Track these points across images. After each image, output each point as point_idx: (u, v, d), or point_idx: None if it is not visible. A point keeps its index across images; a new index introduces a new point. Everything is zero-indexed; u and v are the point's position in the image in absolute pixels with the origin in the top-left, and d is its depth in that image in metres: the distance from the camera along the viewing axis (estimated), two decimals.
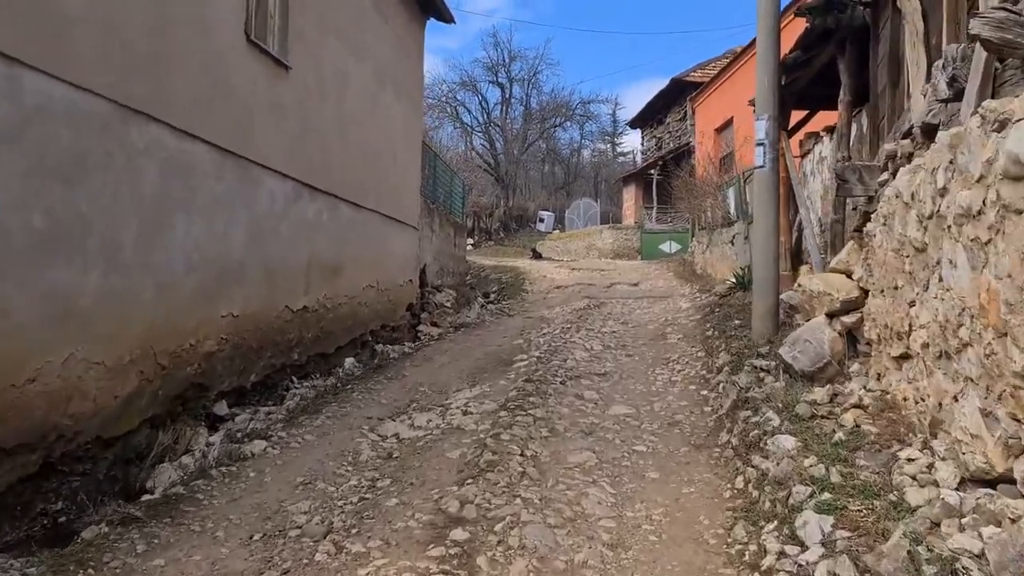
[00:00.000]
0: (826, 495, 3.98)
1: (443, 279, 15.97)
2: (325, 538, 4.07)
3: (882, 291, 5.35)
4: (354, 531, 4.18)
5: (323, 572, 3.72)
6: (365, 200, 10.74)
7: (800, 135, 10.18)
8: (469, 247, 33.09)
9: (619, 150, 53.93)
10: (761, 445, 5.00)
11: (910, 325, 4.73)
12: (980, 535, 3.08)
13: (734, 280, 11.63)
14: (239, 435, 6.16)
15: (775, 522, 3.95)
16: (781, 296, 7.67)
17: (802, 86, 9.18)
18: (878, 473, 4.18)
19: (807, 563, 3.41)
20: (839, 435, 4.75)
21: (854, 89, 7.61)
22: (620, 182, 38.70)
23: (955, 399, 3.86)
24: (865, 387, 5.39)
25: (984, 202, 3.25)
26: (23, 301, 4.75)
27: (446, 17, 13.22)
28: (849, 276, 6.13)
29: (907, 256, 4.69)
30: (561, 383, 7.32)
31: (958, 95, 4.16)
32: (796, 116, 10.02)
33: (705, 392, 6.93)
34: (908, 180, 4.61)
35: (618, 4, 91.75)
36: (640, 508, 4.56)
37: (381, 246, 11.57)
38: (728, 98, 20.81)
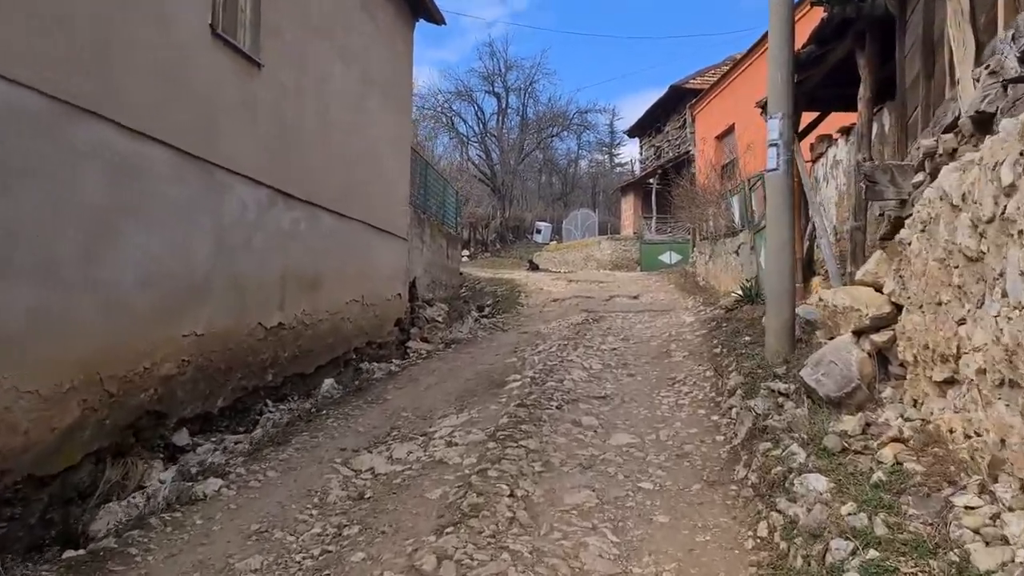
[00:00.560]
0: (872, 552, 3.33)
1: (435, 292, 15.32)
2: None
3: (920, 307, 4.71)
4: None
5: None
6: (349, 209, 10.10)
7: (811, 138, 9.56)
8: (464, 258, 32.47)
9: (616, 160, 53.44)
10: (786, 484, 4.34)
11: (959, 346, 4.08)
12: None
13: (741, 293, 10.98)
14: (194, 471, 5.49)
15: None
16: (796, 310, 7.03)
17: (813, 85, 8.57)
18: (931, 524, 3.52)
19: None
20: (878, 474, 4.10)
21: (875, 85, 6.99)
22: (618, 192, 38.12)
23: None
24: (902, 416, 4.74)
25: None
26: None
27: (436, 18, 12.63)
28: (878, 289, 5.49)
29: (956, 267, 4.05)
30: (557, 408, 6.65)
31: None
32: (806, 119, 9.42)
33: (716, 418, 6.27)
34: (957, 179, 3.97)
35: (615, 14, 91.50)
36: (649, 562, 3.90)
37: (366, 258, 10.92)
38: (729, 104, 20.23)
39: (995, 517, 3.36)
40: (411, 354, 11.57)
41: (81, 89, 5.17)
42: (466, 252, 34.29)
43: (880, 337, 5.27)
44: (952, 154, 4.50)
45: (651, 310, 13.52)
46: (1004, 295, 3.39)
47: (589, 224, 38.19)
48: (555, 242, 37.09)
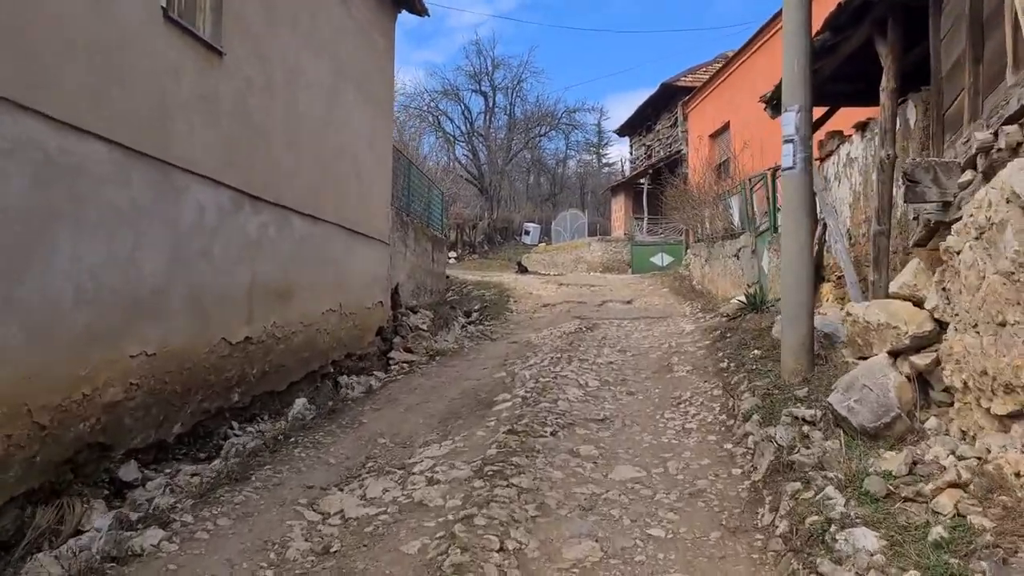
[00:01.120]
0: None
1: (420, 298, 14.61)
2: None
3: (975, 326, 4.05)
4: None
5: None
6: (324, 212, 9.38)
7: (820, 134, 8.91)
8: (452, 261, 31.76)
9: (605, 161, 52.82)
10: (826, 539, 3.66)
11: None
12: None
13: (744, 300, 10.33)
14: (135, 518, 4.76)
15: None
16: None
17: (823, 79, 7.92)
18: None
19: None
20: (938, 530, 3.44)
21: (899, 74, 6.34)
22: (608, 192, 37.49)
23: None
24: (954, 453, 4.08)
25: None
26: None
27: (418, 9, 11.91)
28: (917, 304, 4.83)
29: None
30: (552, 434, 5.96)
31: None
32: (814, 114, 8.77)
33: (730, 446, 5.60)
34: None
35: (601, 11, 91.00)
36: None
37: (344, 264, 10.20)
38: (724, 102, 19.61)
39: None
40: (394, 365, 10.86)
41: None
42: (453, 254, 33.59)
43: (921, 359, 4.61)
44: (1016, 149, 3.85)
45: (647, 317, 12.86)
46: None
47: (579, 225, 37.51)
48: (544, 244, 36.41)
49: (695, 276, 17.28)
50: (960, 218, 4.31)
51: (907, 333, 4.67)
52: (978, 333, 4.01)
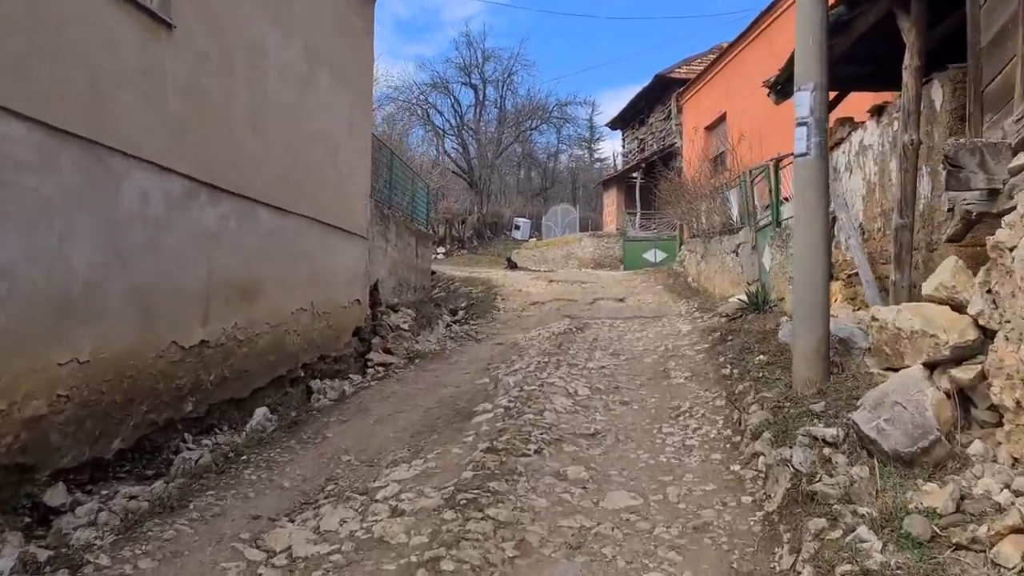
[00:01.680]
0: None
1: (402, 296, 13.92)
2: None
3: None
4: None
5: None
6: (295, 204, 8.68)
7: (829, 121, 8.26)
8: (440, 256, 31.07)
9: (596, 155, 52.15)
10: None
11: None
12: None
13: (745, 299, 9.69)
14: (44, 558, 4.06)
15: None
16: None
17: (834, 59, 7.25)
18: None
19: None
20: None
21: (923, 51, 5.70)
22: (600, 187, 36.84)
23: None
24: (1010, 487, 3.44)
25: None
26: None
27: None
28: (957, 309, 4.18)
29: None
30: (536, 452, 5.29)
31: None
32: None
33: (737, 468, 4.95)
34: None
35: (593, 3, 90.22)
36: None
37: (318, 260, 9.50)
38: (721, 93, 18.96)
39: None
40: (372, 368, 10.18)
41: None
42: (442, 249, 32.93)
43: (964, 373, 3.97)
44: None
45: (640, 316, 12.20)
46: None
47: (570, 220, 36.82)
48: (535, 239, 35.73)
49: (690, 273, 16.63)
50: (1014, 207, 3.67)
51: (946, 343, 4.03)
52: None
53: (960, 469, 3.81)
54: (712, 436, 5.64)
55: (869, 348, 5.80)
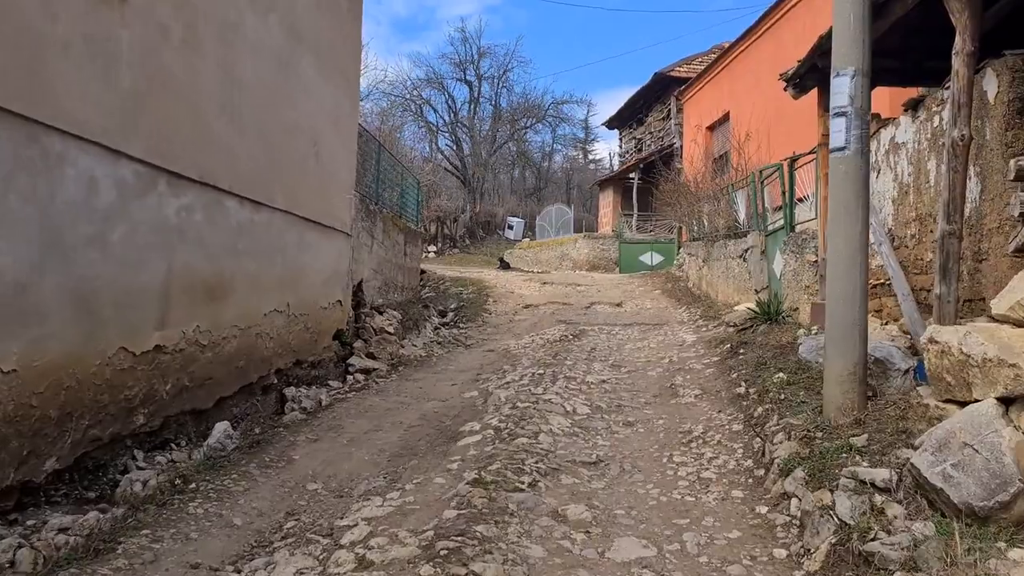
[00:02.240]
0: None
1: (388, 296, 13.20)
2: None
3: None
4: None
5: None
6: (270, 197, 7.94)
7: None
8: (432, 255, 30.39)
9: (591, 156, 51.54)
10: None
11: None
12: None
13: (755, 308, 9.01)
14: None
15: None
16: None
17: None
18: None
19: None
20: None
21: (977, 34, 5.02)
22: (596, 187, 36.17)
23: None
24: None
25: None
26: None
27: None
28: None
29: None
30: (530, 485, 4.60)
31: None
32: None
33: (764, 509, 4.26)
34: None
35: (588, 13, 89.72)
36: None
37: (296, 258, 8.76)
38: (724, 91, 18.30)
39: None
40: (353, 374, 9.48)
41: None
42: (433, 248, 32.26)
43: None
44: None
45: (640, 323, 11.51)
46: None
47: (564, 221, 36.12)
48: (528, 239, 35.04)
49: (691, 278, 15.95)
50: None
51: None
52: None
53: None
54: (731, 468, 4.96)
55: (908, 370, 5.14)
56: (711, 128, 19.33)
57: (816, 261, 8.00)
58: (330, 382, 9.16)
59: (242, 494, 4.78)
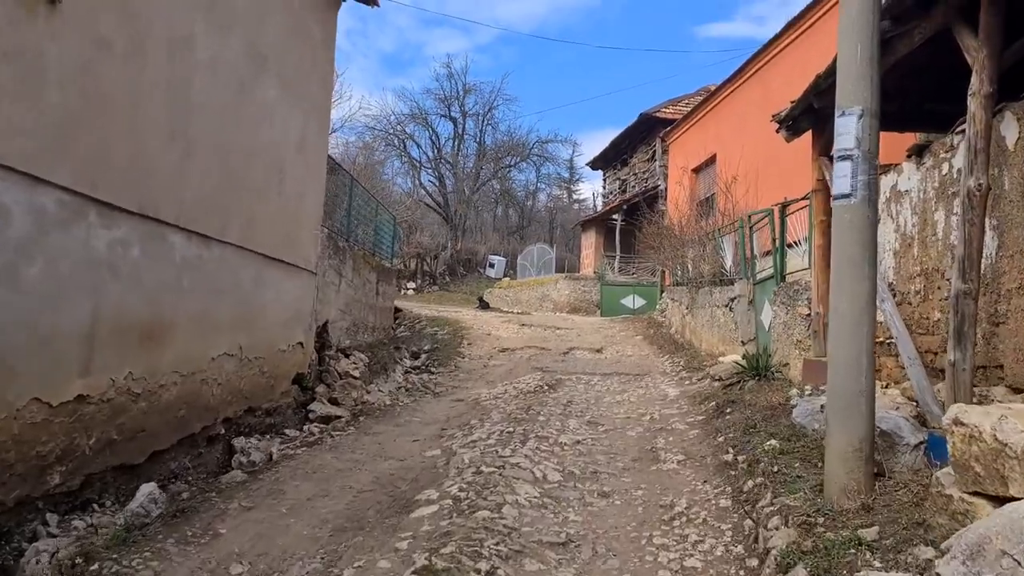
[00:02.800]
0: None
1: (357, 337, 12.55)
2: None
3: None
4: None
5: None
6: (222, 231, 7.34)
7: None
8: (411, 292, 29.77)
9: (575, 196, 51.33)
10: None
11: None
12: None
13: (742, 362, 8.46)
14: None
15: None
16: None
17: None
18: None
19: None
20: None
21: (995, 76, 4.56)
22: (579, 227, 35.79)
23: None
24: None
25: None
26: None
27: None
28: None
29: None
30: (488, 574, 3.95)
31: None
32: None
33: None
34: None
35: (578, 48, 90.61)
36: None
37: (251, 297, 8.13)
38: (711, 134, 17.97)
39: None
40: (312, 423, 8.81)
41: None
42: (412, 285, 31.67)
43: None
44: None
45: (620, 373, 10.92)
46: None
47: (546, 260, 35.65)
48: (508, 278, 34.51)
49: (674, 324, 15.41)
50: None
51: None
52: None
53: None
54: (719, 555, 4.34)
55: (919, 445, 4.59)
56: (696, 171, 18.98)
57: (809, 315, 7.48)
58: (286, 431, 8.48)
59: None
